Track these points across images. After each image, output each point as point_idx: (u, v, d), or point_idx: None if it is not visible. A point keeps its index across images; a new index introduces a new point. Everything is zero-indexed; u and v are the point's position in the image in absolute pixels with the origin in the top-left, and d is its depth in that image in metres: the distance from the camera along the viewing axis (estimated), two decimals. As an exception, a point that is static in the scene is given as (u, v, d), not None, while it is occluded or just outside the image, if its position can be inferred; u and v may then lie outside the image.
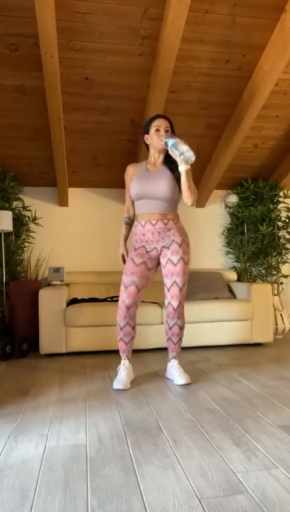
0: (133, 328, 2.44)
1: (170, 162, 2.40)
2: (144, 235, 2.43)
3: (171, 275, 2.39)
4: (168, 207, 2.41)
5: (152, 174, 2.42)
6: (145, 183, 2.39)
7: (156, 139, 2.39)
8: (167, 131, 2.39)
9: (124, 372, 2.40)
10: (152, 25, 2.63)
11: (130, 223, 2.61)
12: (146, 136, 2.46)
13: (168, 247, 2.41)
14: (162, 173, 2.41)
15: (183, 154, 2.21)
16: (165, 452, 1.50)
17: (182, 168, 2.27)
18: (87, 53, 2.79)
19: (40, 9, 2.30)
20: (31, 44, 2.68)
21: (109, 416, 1.90)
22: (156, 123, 2.40)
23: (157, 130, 2.39)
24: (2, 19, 2.51)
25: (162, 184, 2.37)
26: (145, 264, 2.42)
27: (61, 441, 1.63)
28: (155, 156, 2.46)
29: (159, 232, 2.40)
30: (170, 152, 2.26)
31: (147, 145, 2.51)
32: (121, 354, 2.46)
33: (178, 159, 2.25)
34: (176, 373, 2.43)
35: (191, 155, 2.21)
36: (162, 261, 2.44)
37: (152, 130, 2.40)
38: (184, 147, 2.20)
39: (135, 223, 2.50)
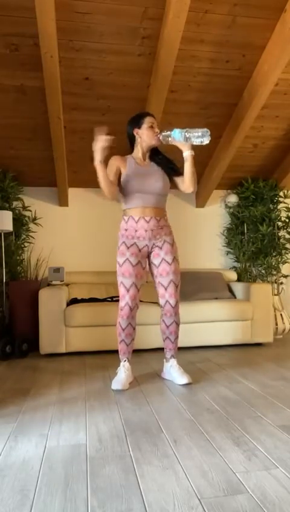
0: (134, 329, 2.45)
1: (158, 159, 2.48)
2: (136, 230, 2.41)
3: (167, 274, 2.41)
4: (161, 201, 2.45)
5: (146, 171, 2.43)
6: (143, 180, 2.40)
7: (150, 135, 2.41)
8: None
9: (123, 374, 2.39)
10: (152, 24, 2.63)
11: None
12: (136, 130, 2.45)
13: (160, 247, 2.43)
14: (155, 169, 2.45)
15: (200, 136, 2.24)
16: (165, 452, 1.50)
17: (187, 153, 2.33)
18: (87, 53, 2.79)
19: (40, 9, 2.30)
20: (31, 44, 2.68)
21: (109, 416, 1.90)
22: (150, 120, 2.44)
23: (151, 127, 2.42)
24: (2, 19, 2.51)
25: (159, 180, 2.42)
26: (140, 264, 2.43)
27: (61, 441, 1.63)
28: (144, 151, 2.48)
29: (152, 230, 2.41)
30: (173, 141, 2.31)
31: (130, 140, 2.51)
32: (121, 356, 2.45)
33: (187, 144, 2.30)
34: (176, 373, 2.43)
35: (205, 132, 2.23)
36: (155, 261, 2.45)
37: (145, 125, 2.42)
38: (198, 131, 2.24)
39: (125, 217, 2.46)
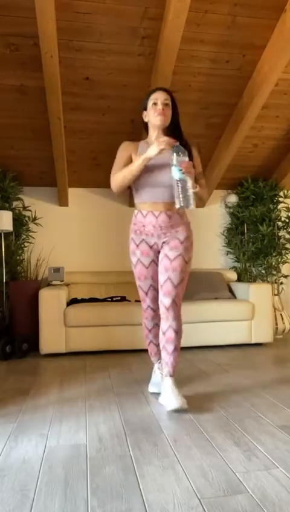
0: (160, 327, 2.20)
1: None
2: (144, 226, 2.13)
3: (165, 270, 2.08)
4: (172, 194, 2.05)
5: (157, 160, 2.05)
6: (152, 172, 2.08)
7: (153, 113, 2.08)
8: (166, 104, 2.08)
9: (160, 376, 2.24)
10: (152, 25, 2.63)
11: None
12: (144, 113, 2.15)
13: (168, 243, 2.12)
14: (164, 157, 2.03)
15: (183, 196, 1.95)
16: (165, 452, 1.50)
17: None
18: (87, 53, 2.79)
19: (40, 9, 2.30)
20: (31, 44, 2.67)
21: (109, 416, 1.90)
22: (154, 96, 2.09)
23: (154, 103, 2.07)
24: (2, 19, 2.51)
25: (166, 170, 2.05)
26: (154, 263, 2.17)
27: (61, 441, 1.63)
28: (155, 135, 2.13)
29: (161, 227, 2.10)
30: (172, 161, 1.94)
31: (145, 125, 2.20)
32: (152, 358, 2.32)
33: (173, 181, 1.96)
34: (169, 395, 1.97)
35: (189, 203, 1.97)
36: (159, 257, 2.16)
37: (149, 104, 2.09)
38: (188, 188, 1.96)
39: (135, 211, 2.19)
